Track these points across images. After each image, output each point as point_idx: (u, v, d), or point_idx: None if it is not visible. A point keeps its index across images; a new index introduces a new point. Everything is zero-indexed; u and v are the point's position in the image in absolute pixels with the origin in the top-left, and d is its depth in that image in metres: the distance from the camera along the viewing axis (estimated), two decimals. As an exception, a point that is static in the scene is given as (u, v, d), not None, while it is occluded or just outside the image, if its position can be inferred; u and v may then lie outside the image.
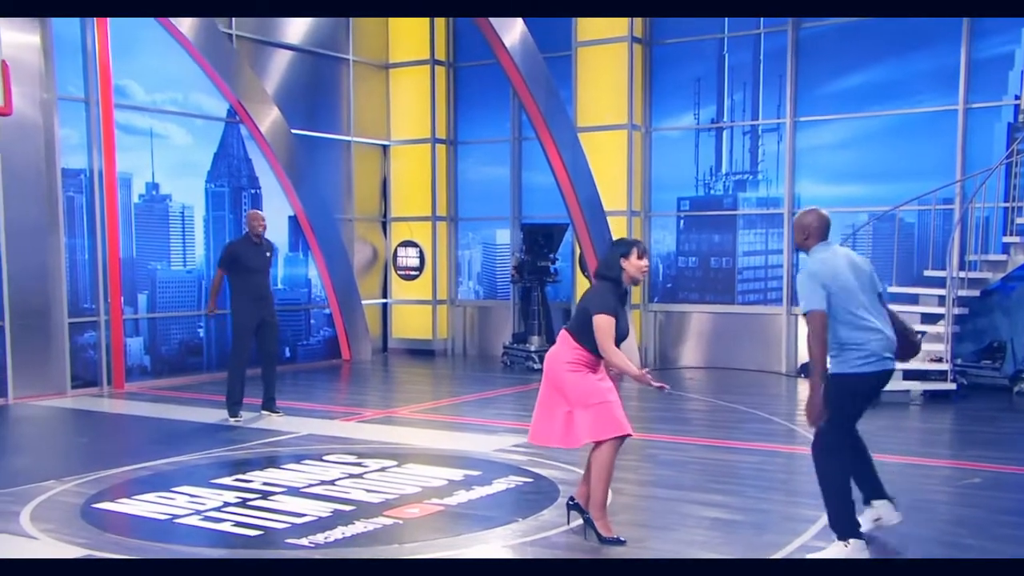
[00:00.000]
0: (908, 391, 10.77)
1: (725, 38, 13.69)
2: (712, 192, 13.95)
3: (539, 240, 14.05)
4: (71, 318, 11.42)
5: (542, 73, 12.97)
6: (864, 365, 5.24)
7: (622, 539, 5.65)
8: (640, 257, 5.77)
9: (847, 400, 5.29)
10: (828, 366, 5.24)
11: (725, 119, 13.81)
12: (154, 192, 12.47)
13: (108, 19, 11.35)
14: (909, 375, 10.84)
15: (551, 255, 14.07)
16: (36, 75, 10.92)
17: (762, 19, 13.33)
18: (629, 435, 5.78)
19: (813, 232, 5.43)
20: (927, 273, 11.72)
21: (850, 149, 12.91)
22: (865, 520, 5.54)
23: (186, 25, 12.23)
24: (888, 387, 5.56)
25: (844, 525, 5.26)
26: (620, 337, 5.75)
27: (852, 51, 12.82)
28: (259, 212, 9.96)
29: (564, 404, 5.77)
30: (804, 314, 5.26)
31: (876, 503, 5.65)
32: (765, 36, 13.40)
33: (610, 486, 5.79)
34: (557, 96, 13.25)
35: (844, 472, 5.34)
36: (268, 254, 9.81)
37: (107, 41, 11.44)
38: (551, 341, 14.11)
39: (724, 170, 13.86)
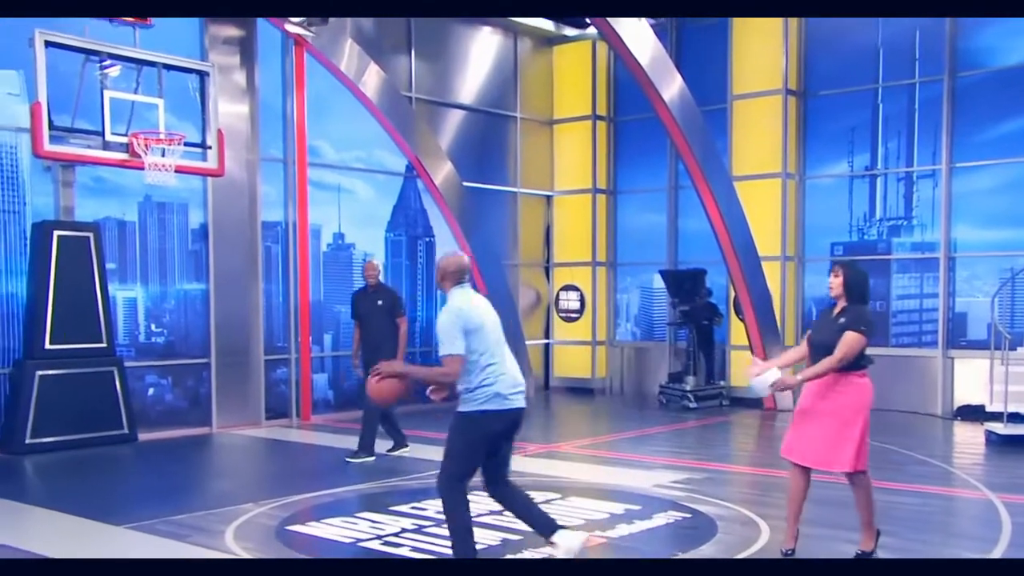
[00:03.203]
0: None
1: (880, 88, 13.33)
2: (866, 237, 13.53)
3: (684, 284, 13.97)
4: (267, 356, 12.03)
5: (699, 125, 12.93)
6: (488, 403, 5.30)
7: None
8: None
9: (477, 438, 5.32)
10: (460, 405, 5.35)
11: (879, 166, 13.41)
12: (340, 241, 13.05)
13: (305, 87, 11.98)
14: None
15: (696, 298, 13.92)
16: (244, 139, 11.68)
17: (917, 70, 12.96)
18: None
19: (449, 275, 5.50)
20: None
21: (1007, 194, 12.33)
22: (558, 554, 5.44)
23: (371, 89, 12.80)
24: None
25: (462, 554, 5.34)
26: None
27: (1009, 97, 12.27)
28: (372, 261, 9.78)
29: (835, 427, 5.68)
30: (443, 356, 5.27)
31: (555, 538, 5.45)
32: (920, 86, 12.99)
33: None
34: (713, 147, 13.17)
35: (466, 506, 5.37)
36: (380, 302, 9.34)
37: (303, 107, 12.10)
38: (708, 381, 13.99)
39: (878, 216, 13.44)
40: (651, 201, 15.48)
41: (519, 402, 5.44)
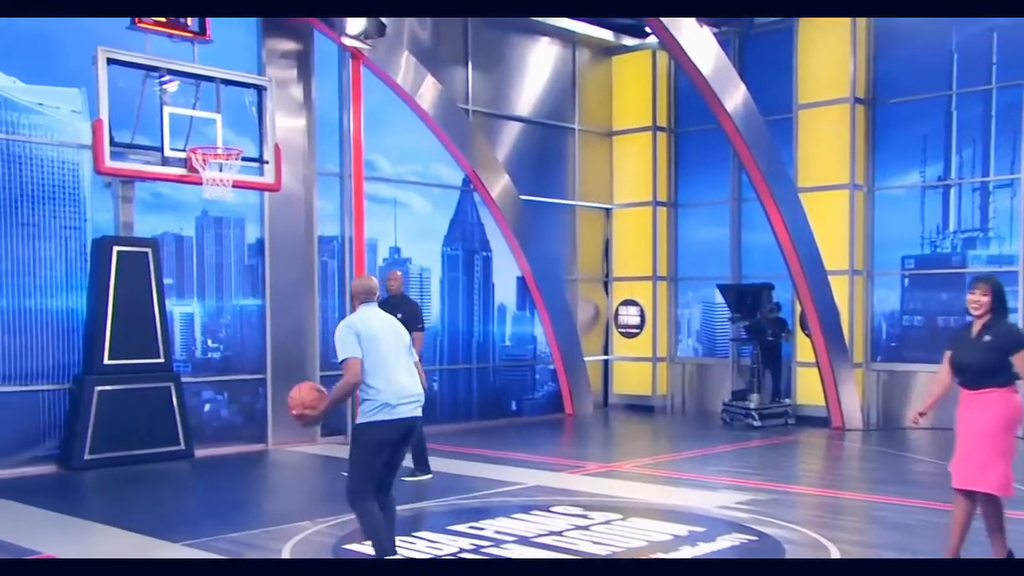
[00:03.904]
0: None
1: (953, 95, 13.10)
2: (939, 250, 13.27)
3: (745, 299, 13.83)
4: (322, 371, 12.11)
5: (763, 135, 12.82)
6: (376, 413, 5.68)
7: None
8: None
9: (370, 447, 5.71)
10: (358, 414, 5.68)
11: (953, 176, 13.16)
12: (396, 256, 13.16)
13: (362, 101, 12.13)
14: None
15: (758, 313, 13.77)
16: (301, 154, 11.86)
17: (994, 75, 12.72)
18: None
19: (357, 295, 6.04)
20: None
21: (1091, 204, 12.01)
22: None
23: (428, 101, 12.91)
24: None
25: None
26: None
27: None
28: (395, 272, 9.69)
29: (983, 444, 5.64)
30: (340, 362, 5.70)
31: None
32: (997, 91, 12.73)
33: None
34: (778, 157, 13.05)
35: (374, 510, 5.70)
36: (399, 314, 9.06)
37: (360, 120, 12.23)
38: (774, 398, 13.82)
39: (952, 227, 13.18)
40: (713, 214, 15.37)
41: (407, 412, 5.79)
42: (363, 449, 5.76)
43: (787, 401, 13.94)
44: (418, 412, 5.90)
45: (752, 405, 13.56)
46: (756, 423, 13.31)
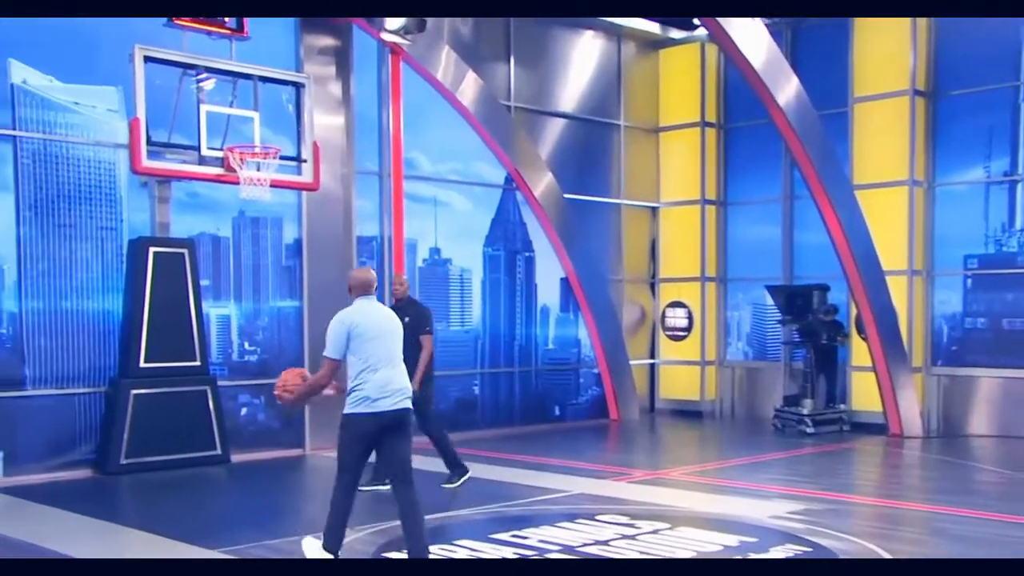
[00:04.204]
0: None
1: (1021, 86, 12.89)
2: (1004, 249, 13.06)
3: (796, 301, 13.71)
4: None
5: (817, 130, 12.69)
6: (357, 406, 6.11)
7: None
8: None
9: (349, 437, 6.18)
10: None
11: (1020, 171, 12.95)
12: (436, 256, 13.22)
13: (401, 98, 12.20)
14: None
15: (809, 315, 13.65)
16: (339, 152, 11.94)
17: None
18: None
19: (354, 288, 6.35)
20: None
21: None
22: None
23: (469, 98, 12.95)
24: None
25: (330, 537, 6.21)
26: None
27: None
28: (400, 275, 9.66)
29: None
30: (323, 357, 6.16)
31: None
32: (1067, 81, 12.54)
33: None
34: (833, 153, 12.92)
35: (346, 494, 6.23)
36: (406, 319, 8.64)
37: (399, 118, 12.29)
38: (828, 404, 13.68)
39: (1018, 225, 12.97)
40: (764, 212, 15.26)
41: (388, 405, 6.14)
42: (343, 438, 6.23)
43: (842, 407, 13.80)
44: (403, 406, 6.22)
45: (805, 411, 13.44)
46: (809, 429, 13.19)
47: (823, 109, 13.08)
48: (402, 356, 6.36)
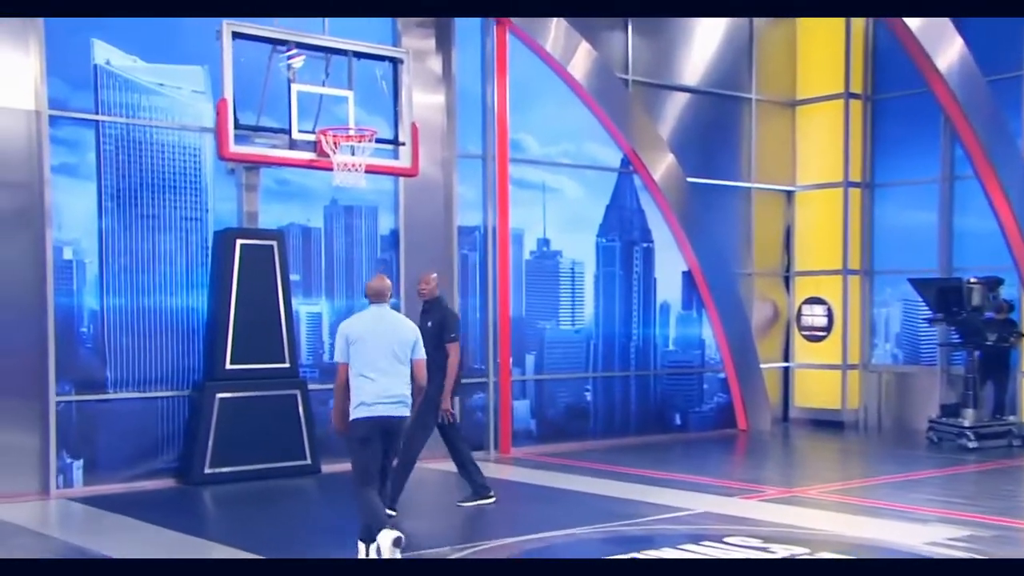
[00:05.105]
0: None
1: None
2: None
3: (948, 296, 13.31)
4: (463, 379, 12.28)
5: (984, 100, 12.33)
6: (356, 411, 7.02)
7: None
8: None
9: (353, 442, 7.10)
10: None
11: None
12: (545, 248, 13.24)
13: (507, 73, 12.23)
14: None
15: (963, 313, 13.23)
16: (439, 134, 12.07)
17: None
18: None
19: (368, 296, 7.43)
20: None
21: None
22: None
23: (581, 72, 12.93)
24: None
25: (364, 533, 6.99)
26: None
27: None
28: (424, 274, 9.48)
29: None
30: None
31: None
32: None
33: None
34: (1003, 126, 12.52)
35: (364, 496, 7.01)
36: (429, 323, 8.96)
37: (505, 95, 12.35)
38: (995, 415, 13.26)
39: None
40: (918, 195, 14.91)
41: (382, 411, 7.01)
42: (350, 443, 7.14)
43: (1012, 419, 13.42)
44: (397, 412, 7.09)
45: (966, 422, 13.09)
46: (971, 444, 12.84)
47: (992, 74, 12.67)
48: (398, 364, 7.15)
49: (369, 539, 6.87)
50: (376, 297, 7.41)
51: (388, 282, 7.58)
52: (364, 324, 7.27)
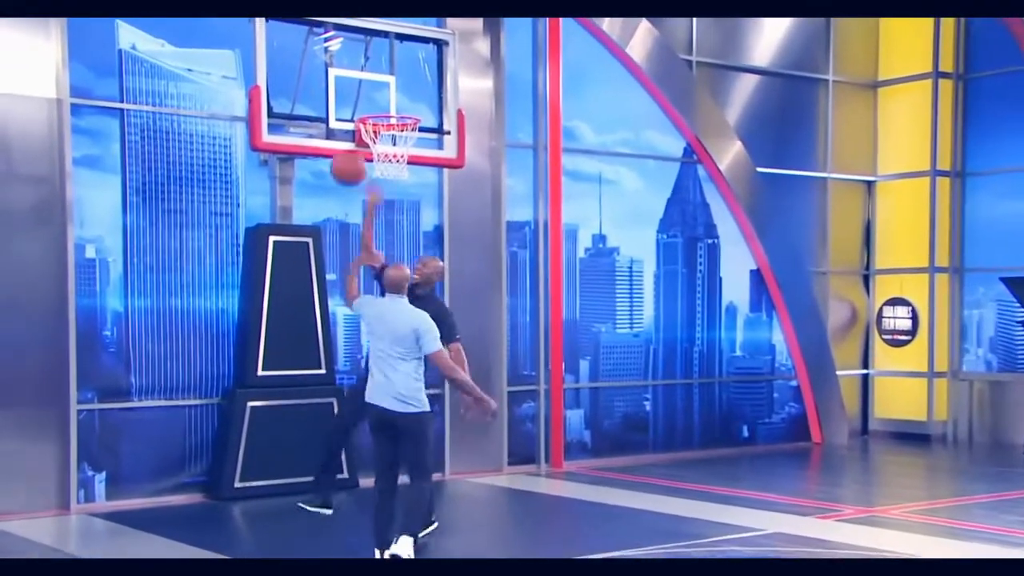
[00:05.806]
0: None
1: None
2: None
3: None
4: (510, 386, 12.33)
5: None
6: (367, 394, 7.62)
7: None
8: None
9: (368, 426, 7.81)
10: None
11: None
12: (600, 245, 13.24)
13: (561, 55, 12.24)
14: None
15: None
16: (487, 122, 12.10)
17: None
18: None
19: (386, 286, 7.77)
20: None
21: None
22: None
23: (641, 53, 12.91)
24: None
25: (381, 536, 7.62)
26: None
27: None
28: (424, 258, 9.50)
29: None
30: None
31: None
32: None
33: None
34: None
35: (376, 489, 7.64)
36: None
37: (558, 80, 12.35)
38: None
39: None
40: (1015, 184, 14.82)
41: (377, 401, 7.49)
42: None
43: (1120, 433, 13.25)
44: (392, 407, 7.44)
45: (1067, 437, 12.96)
46: (1072, 460, 12.74)
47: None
48: (399, 360, 7.45)
49: (381, 546, 7.55)
50: (394, 288, 7.73)
51: (407, 272, 7.89)
52: (371, 310, 7.85)
